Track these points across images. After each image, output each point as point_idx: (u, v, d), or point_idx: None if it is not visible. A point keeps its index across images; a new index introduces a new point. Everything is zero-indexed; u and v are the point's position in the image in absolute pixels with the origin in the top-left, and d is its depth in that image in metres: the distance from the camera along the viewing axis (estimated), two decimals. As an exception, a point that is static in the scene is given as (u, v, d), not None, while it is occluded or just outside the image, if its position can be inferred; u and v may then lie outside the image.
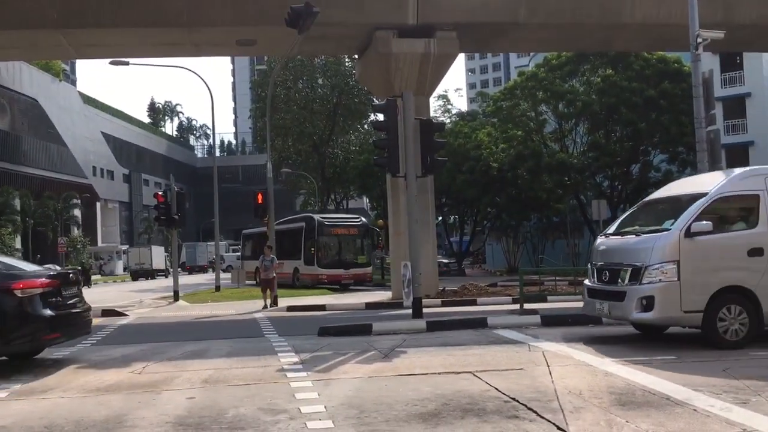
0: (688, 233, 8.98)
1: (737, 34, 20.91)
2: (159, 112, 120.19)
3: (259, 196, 22.14)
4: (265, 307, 19.26)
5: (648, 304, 9.08)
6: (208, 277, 45.67)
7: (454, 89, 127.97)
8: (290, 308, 18.84)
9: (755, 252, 9.10)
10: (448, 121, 52.52)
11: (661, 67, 34.93)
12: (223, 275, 33.68)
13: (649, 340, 10.01)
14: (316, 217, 31.87)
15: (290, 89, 53.19)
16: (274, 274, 20.05)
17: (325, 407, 6.17)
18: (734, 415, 5.51)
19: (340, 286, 28.97)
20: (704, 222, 8.99)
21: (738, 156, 43.43)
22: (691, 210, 9.24)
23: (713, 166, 14.31)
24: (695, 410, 5.72)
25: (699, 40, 14.30)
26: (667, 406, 5.89)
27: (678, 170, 35.78)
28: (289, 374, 7.87)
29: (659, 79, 34.41)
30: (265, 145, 29.58)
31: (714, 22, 17.66)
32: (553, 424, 5.41)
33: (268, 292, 19.70)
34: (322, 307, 19.00)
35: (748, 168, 10.58)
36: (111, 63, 26.91)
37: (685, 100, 27.21)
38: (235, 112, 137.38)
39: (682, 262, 8.93)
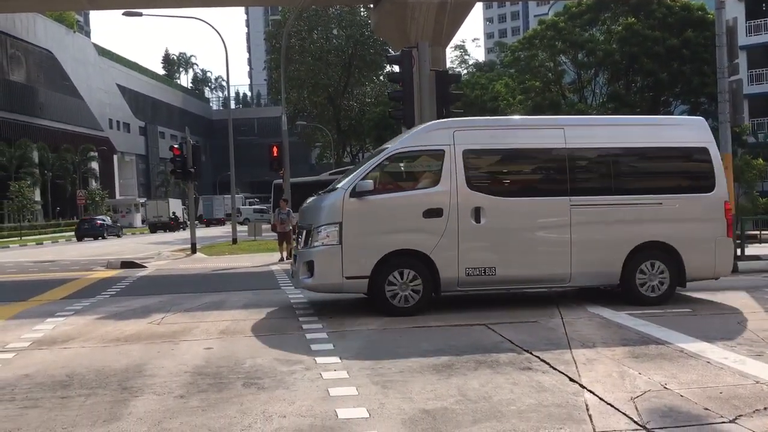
0: (354, 193, 8.39)
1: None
2: (173, 64, 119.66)
3: (275, 149, 22.14)
4: (281, 259, 19.39)
5: (310, 269, 8.52)
6: (225, 230, 46.07)
7: (471, 39, 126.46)
8: (306, 260, 18.93)
9: (432, 213, 8.48)
10: (465, 72, 51.97)
11: (684, 14, 34.07)
12: (239, 228, 33.99)
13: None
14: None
15: (305, 40, 52.63)
16: (291, 227, 20.14)
17: (340, 358, 6.26)
18: (748, 368, 5.52)
19: None
20: (368, 181, 8.41)
21: (761, 106, 42.65)
22: (363, 168, 8.79)
23: (735, 117, 14.07)
24: (709, 362, 5.75)
25: (724, -14, 13.87)
26: (680, 358, 5.92)
27: (699, 121, 35.17)
28: (305, 326, 7.97)
29: (682, 28, 33.60)
30: (280, 97, 29.38)
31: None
32: (566, 375, 5.46)
33: (285, 244, 19.83)
34: (338, 260, 19.06)
35: (436, 121, 9.97)
36: (124, 14, 26.74)
37: (709, 49, 26.62)
38: (249, 64, 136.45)
39: (346, 224, 8.36)
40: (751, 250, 15.49)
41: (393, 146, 8.98)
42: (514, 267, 8.68)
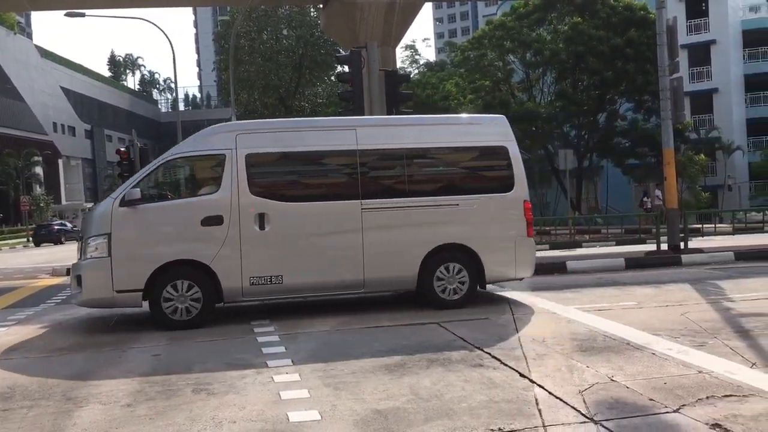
0: (123, 202, 7.99)
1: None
2: (120, 66, 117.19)
3: (225, 151, 21.83)
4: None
5: (80, 283, 8.08)
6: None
7: (422, 39, 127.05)
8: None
9: (211, 221, 8.11)
10: (416, 71, 52.23)
11: (627, 14, 34.87)
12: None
13: (616, 288, 10.20)
14: None
15: (254, 41, 52.17)
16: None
17: (291, 361, 6.21)
18: (690, 358, 5.67)
19: None
20: (136, 189, 8.01)
21: (702, 103, 43.95)
22: (137, 174, 8.50)
23: (676, 114, 14.46)
24: (653, 354, 5.88)
25: (664, -14, 14.24)
26: (626, 351, 6.05)
27: (644, 118, 36.12)
28: (257, 329, 7.88)
29: (625, 27, 34.39)
30: (230, 98, 29.04)
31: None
32: (516, 371, 5.52)
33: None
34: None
35: (220, 124, 9.46)
36: (67, 15, 26.08)
37: (651, 48, 27.24)
38: (198, 65, 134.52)
39: (115, 235, 7.92)
40: (694, 243, 15.94)
41: (170, 151, 8.56)
42: (302, 274, 8.37)
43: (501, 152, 9.11)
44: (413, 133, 9.12)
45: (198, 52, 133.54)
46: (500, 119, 9.56)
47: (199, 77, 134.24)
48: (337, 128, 9.10)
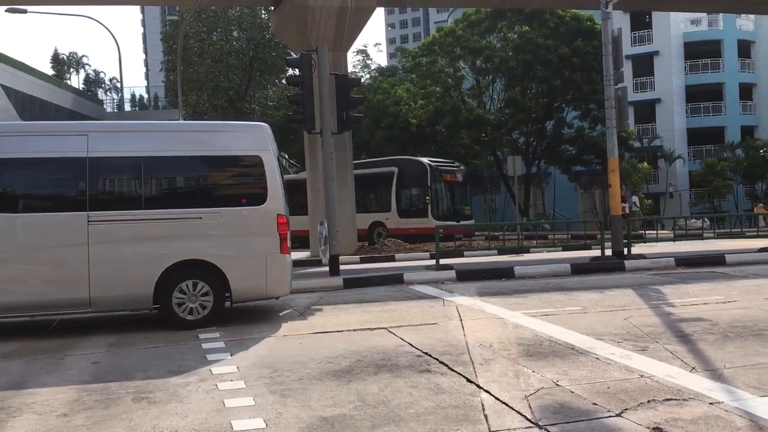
0: None
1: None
2: (63, 64, 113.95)
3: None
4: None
5: None
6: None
7: (373, 44, 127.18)
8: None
9: None
10: (368, 76, 52.26)
11: (574, 24, 35.60)
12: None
13: (562, 293, 10.36)
14: (424, 159, 26.87)
15: (204, 41, 51.44)
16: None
17: (237, 368, 6.10)
18: (633, 362, 5.78)
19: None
20: None
21: (645, 113, 45.23)
22: None
23: (621, 123, 14.80)
24: (597, 358, 5.97)
25: (609, -2, 14.59)
26: (571, 355, 6.13)
27: (590, 126, 36.90)
28: (201, 335, 7.73)
29: (573, 37, 35.11)
30: (178, 99, 28.52)
31: (624, -19, 18.07)
32: (463, 376, 5.54)
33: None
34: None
35: None
36: (7, 11, 25.26)
37: (597, 58, 27.91)
38: (146, 65, 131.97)
39: None
40: (637, 249, 16.33)
41: None
42: (15, 293, 7.82)
43: (254, 163, 8.61)
44: (154, 141, 8.54)
45: (145, 51, 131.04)
46: (258, 128, 8.96)
47: (147, 77, 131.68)
48: (66, 133, 8.40)
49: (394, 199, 26.06)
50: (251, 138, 8.79)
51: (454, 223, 24.80)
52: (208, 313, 8.30)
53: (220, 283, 8.34)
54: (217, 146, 8.71)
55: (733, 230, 22.63)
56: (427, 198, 25.22)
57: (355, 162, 30.17)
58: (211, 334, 7.81)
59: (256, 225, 8.50)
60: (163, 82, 75.84)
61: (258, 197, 8.59)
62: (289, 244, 8.72)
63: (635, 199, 31.37)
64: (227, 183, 8.88)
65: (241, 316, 9.08)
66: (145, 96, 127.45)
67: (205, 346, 7.12)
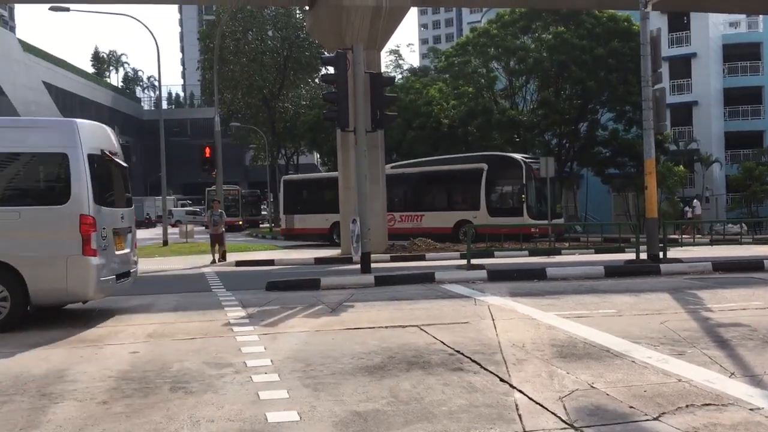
0: None
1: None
2: (103, 62, 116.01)
3: (207, 150, 21.74)
4: (213, 261, 19.05)
5: None
6: (156, 232, 44.92)
7: (406, 44, 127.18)
8: (239, 263, 18.69)
9: None
10: (400, 76, 52.28)
11: (611, 25, 35.14)
12: (171, 230, 33.24)
13: (595, 295, 10.23)
14: (517, 156, 26.07)
15: (239, 41, 51.96)
16: (224, 229, 19.85)
17: (271, 361, 6.14)
18: (670, 366, 5.68)
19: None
20: None
21: (682, 115, 44.43)
22: None
23: (658, 125, 14.58)
24: (633, 362, 5.89)
25: (648, -2, 14.38)
26: (606, 358, 6.05)
27: (624, 129, 36.39)
28: (236, 328, 7.81)
29: (609, 38, 34.66)
30: (213, 98, 28.85)
31: (663, -18, 17.79)
32: (496, 375, 5.50)
33: (217, 246, 19.47)
34: (270, 262, 18.90)
35: None
36: (51, 9, 25.77)
37: (633, 59, 27.50)
38: (183, 64, 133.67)
39: None
40: (673, 253, 16.06)
41: None
42: None
43: (60, 160, 8.20)
44: None
45: (182, 50, 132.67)
46: (66, 124, 8.57)
47: (183, 76, 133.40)
48: None
49: (484, 197, 25.10)
50: (58, 135, 8.35)
51: (547, 222, 24.06)
52: (5, 315, 7.94)
53: (19, 286, 7.96)
54: (18, 142, 8.30)
55: (771, 236, 22.14)
56: (523, 196, 24.44)
57: (433, 159, 29.96)
58: (244, 327, 7.87)
59: (57, 225, 8.10)
60: (199, 80, 76.83)
61: (61, 196, 8.19)
62: (94, 245, 8.17)
63: (697, 203, 31.29)
64: (28, 181, 8.50)
65: (274, 311, 9.14)
66: (182, 94, 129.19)
67: (239, 339, 7.19)
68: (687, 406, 4.62)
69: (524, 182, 24.42)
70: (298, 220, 30.25)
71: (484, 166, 25.56)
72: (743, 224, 27.21)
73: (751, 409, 4.51)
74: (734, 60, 45.56)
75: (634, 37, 29.46)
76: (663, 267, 13.42)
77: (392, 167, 28.46)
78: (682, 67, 44.78)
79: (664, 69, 23.73)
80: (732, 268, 13.32)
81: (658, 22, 37.23)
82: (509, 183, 25.18)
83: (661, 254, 14.72)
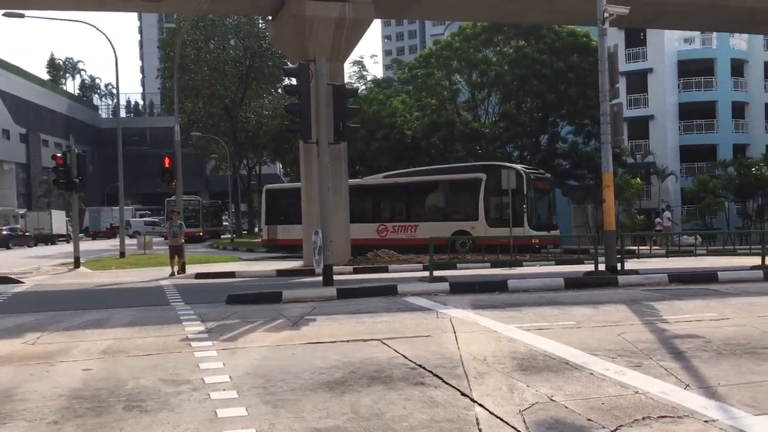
0: None
1: (642, 10, 21.64)
2: (59, 69, 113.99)
3: (166, 160, 21.41)
4: (172, 274, 18.76)
5: None
6: (112, 243, 44.09)
7: (369, 55, 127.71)
8: (199, 275, 18.43)
9: None
10: (363, 87, 52.38)
11: (570, 40, 35.83)
12: (128, 241, 32.66)
13: (555, 307, 10.33)
14: (518, 166, 26.00)
15: (201, 49, 51.57)
16: (183, 240, 19.57)
17: (230, 377, 6.05)
18: (627, 378, 5.75)
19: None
20: None
21: (639, 129, 45.39)
22: None
23: (616, 139, 14.85)
24: (592, 374, 5.95)
25: (606, 14, 14.68)
26: (565, 370, 6.10)
27: (583, 142, 37.02)
28: (194, 344, 7.68)
29: (569, 53, 35.32)
30: (174, 107, 28.52)
31: (621, -2, 18.19)
32: (458, 390, 5.50)
33: (176, 258, 19.18)
34: (231, 274, 18.69)
35: None
36: (4, 15, 25.20)
37: (592, 73, 28.04)
38: (142, 72, 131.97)
39: None
40: (630, 264, 16.34)
41: None
42: None
43: None
44: None
45: (142, 58, 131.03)
46: None
47: (143, 84, 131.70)
48: None
49: (482, 208, 24.81)
50: None
51: (546, 233, 24.00)
52: None
53: None
54: None
55: (725, 247, 22.68)
56: (524, 206, 24.22)
57: (428, 168, 29.64)
58: (203, 342, 7.75)
59: None
60: (159, 89, 75.90)
61: None
62: None
63: (668, 214, 31.81)
64: None
65: (234, 325, 9.02)
66: (141, 102, 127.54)
67: (197, 354, 7.06)
68: (643, 418, 4.68)
69: (525, 193, 24.19)
70: (281, 231, 29.82)
71: (483, 175, 25.32)
72: (698, 236, 27.84)
73: (705, 421, 4.59)
74: (689, 75, 46.73)
75: (593, 52, 30.06)
76: (621, 279, 13.64)
77: (385, 176, 28.32)
78: (638, 82, 45.81)
79: (622, 84, 24.19)
80: (687, 279, 13.60)
81: (615, 38, 38.00)
82: (509, 193, 24.84)
83: (619, 266, 14.97)
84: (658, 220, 31.05)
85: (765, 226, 35.23)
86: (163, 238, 30.04)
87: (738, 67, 47.57)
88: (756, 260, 16.68)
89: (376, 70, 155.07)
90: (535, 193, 24.58)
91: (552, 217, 26.07)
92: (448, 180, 26.15)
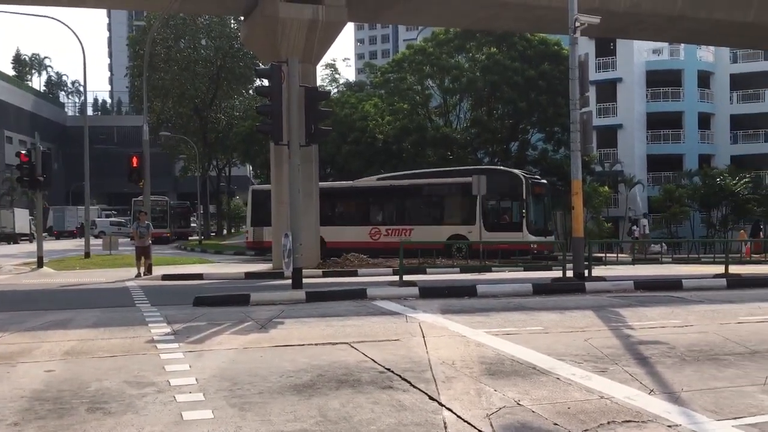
0: None
1: (612, 20, 22.00)
2: (25, 65, 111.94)
3: (134, 159, 21.14)
4: (138, 275, 18.54)
5: None
6: (77, 243, 43.37)
7: (342, 59, 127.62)
8: (165, 277, 18.24)
9: None
10: (335, 90, 52.37)
11: (542, 48, 36.27)
12: (94, 241, 32.18)
13: (523, 313, 10.43)
14: (517, 171, 26.04)
15: (171, 48, 51.10)
16: (150, 241, 19.35)
17: (196, 379, 5.99)
18: (593, 383, 5.83)
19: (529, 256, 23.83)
20: None
21: (607, 138, 46.09)
22: None
23: (585, 147, 15.06)
24: (558, 378, 6.02)
25: (577, 23, 14.89)
26: (533, 375, 6.16)
27: (553, 149, 37.44)
28: (160, 345, 7.59)
29: (540, 60, 35.74)
30: (142, 105, 28.17)
31: (592, 8, 18.51)
32: (425, 393, 5.52)
33: (143, 259, 18.96)
34: (199, 276, 18.53)
35: None
36: (-32, 7, 24.69)
37: (563, 81, 28.45)
38: (111, 69, 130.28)
39: None
40: (597, 271, 16.57)
41: None
42: None
43: None
44: None
45: (110, 56, 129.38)
46: None
47: (111, 82, 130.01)
48: None
49: (480, 212, 24.49)
50: None
51: (543, 238, 23.70)
52: None
53: None
54: None
55: (690, 255, 23.11)
56: (523, 211, 24.15)
57: (424, 171, 29.37)
58: (169, 345, 7.67)
59: None
60: (127, 87, 74.98)
61: None
62: None
63: (645, 222, 32.06)
64: None
65: (201, 327, 8.94)
66: (109, 101, 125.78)
67: (163, 356, 6.99)
68: (608, 422, 4.75)
69: (524, 198, 24.16)
70: (267, 233, 29.23)
71: (485, 178, 24.95)
72: (663, 244, 28.33)
73: (669, 426, 4.67)
74: (657, 86, 47.60)
75: (564, 60, 30.48)
76: (588, 285, 13.82)
77: (378, 179, 28.10)
78: (608, 91, 46.53)
79: (592, 93, 24.51)
80: (652, 286, 13.83)
81: (586, 47, 38.57)
82: (508, 197, 24.83)
83: (586, 272, 15.16)
84: (635, 227, 31.42)
85: (728, 236, 35.99)
86: (129, 239, 29.68)
87: (705, 79, 48.59)
88: (719, 269, 17.05)
89: (348, 73, 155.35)
90: (533, 198, 24.47)
91: (548, 223, 26.05)
92: (445, 183, 25.94)
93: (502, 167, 27.84)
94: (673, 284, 14.05)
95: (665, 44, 46.50)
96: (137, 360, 6.89)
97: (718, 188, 37.38)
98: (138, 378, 6.06)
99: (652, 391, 5.61)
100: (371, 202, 27.55)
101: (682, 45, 45.72)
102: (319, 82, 33.83)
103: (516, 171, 25.83)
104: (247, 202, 32.57)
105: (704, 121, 48.59)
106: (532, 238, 22.84)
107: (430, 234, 23.61)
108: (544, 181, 27.05)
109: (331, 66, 58.35)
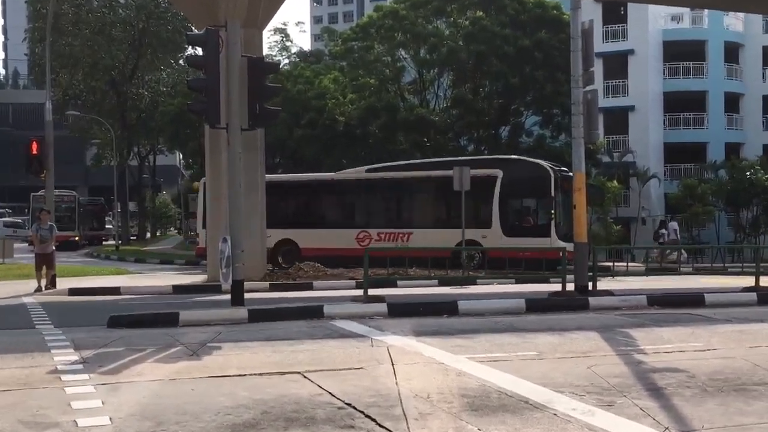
0: None
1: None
2: None
3: (34, 145, 20.83)
4: (39, 289, 18.30)
5: None
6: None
7: (295, 23, 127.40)
8: (73, 291, 18.03)
9: None
10: (287, 61, 52.25)
11: (538, 12, 36.56)
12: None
13: (515, 334, 10.52)
14: (544, 163, 25.25)
15: (81, 7, 50.49)
16: (54, 247, 19.10)
17: (110, 419, 5.95)
18: (597, 420, 5.91)
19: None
20: None
21: (617, 122, 46.24)
22: None
23: (589, 133, 15.21)
24: (555, 414, 6.09)
25: (580, -17, 15.05)
26: (524, 411, 6.23)
27: (552, 135, 37.73)
28: (65, 377, 7.52)
29: (536, 27, 36.03)
30: (45, 78, 27.78)
31: (598, -35, 18.70)
32: (394, 434, 5.56)
33: (44, 269, 18.70)
34: (115, 291, 18.35)
35: None
36: None
37: (563, 53, 28.67)
38: (4, 32, 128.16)
39: None
40: (604, 284, 16.76)
41: None
42: None
43: None
44: None
45: (4, 15, 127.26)
46: None
47: (5, 48, 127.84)
48: None
49: (497, 212, 24.20)
50: None
51: (570, 243, 23.27)
52: None
53: None
54: None
55: (714, 265, 23.48)
56: (552, 212, 23.84)
57: (426, 161, 28.72)
58: (77, 375, 7.59)
59: None
60: (26, 55, 73.89)
61: None
62: None
63: (675, 225, 31.99)
64: None
65: (118, 354, 8.87)
66: (2, 72, 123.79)
67: (69, 391, 6.92)
68: (615, 468, 4.83)
69: (553, 196, 23.81)
70: None
71: (498, 173, 24.70)
72: (683, 250, 28.78)
73: (686, 471, 4.76)
74: (676, 60, 47.95)
75: (565, 27, 30.72)
76: (592, 301, 13.97)
77: (368, 170, 27.60)
78: (617, 65, 46.78)
79: (598, 67, 24.81)
80: (669, 302, 14.04)
81: (591, 12, 38.99)
82: (533, 195, 24.50)
83: (590, 285, 15.33)
84: (663, 231, 31.42)
85: (760, 241, 36.56)
86: (27, 244, 29.28)
87: (733, 52, 49.08)
88: (749, 281, 17.34)
89: (302, 40, 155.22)
90: (562, 195, 23.76)
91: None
92: (450, 177, 24.69)
93: (526, 158, 27.10)
94: (693, 299, 14.29)
95: (686, 9, 46.89)
96: (37, 395, 6.81)
97: (748, 184, 37.93)
98: (37, 417, 6.00)
99: (667, 429, 5.71)
100: (358, 199, 27.30)
101: (706, 11, 46.17)
102: (266, 51, 33.71)
103: (543, 163, 25.41)
104: (196, 198, 31.92)
105: (732, 102, 49.15)
106: (562, 243, 22.09)
107: (434, 239, 23.15)
108: (571, 174, 26.82)
109: (282, 31, 58.15)
